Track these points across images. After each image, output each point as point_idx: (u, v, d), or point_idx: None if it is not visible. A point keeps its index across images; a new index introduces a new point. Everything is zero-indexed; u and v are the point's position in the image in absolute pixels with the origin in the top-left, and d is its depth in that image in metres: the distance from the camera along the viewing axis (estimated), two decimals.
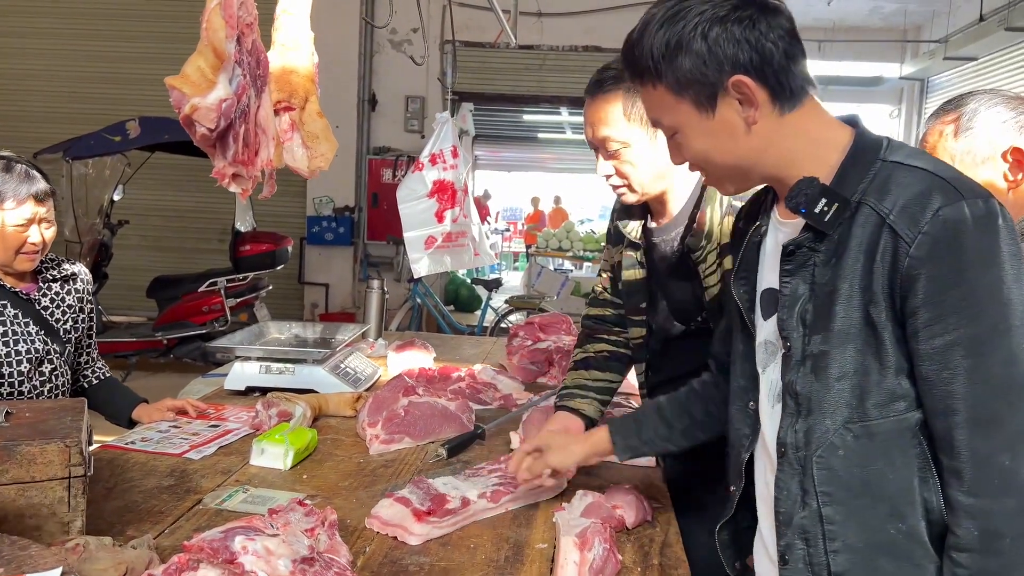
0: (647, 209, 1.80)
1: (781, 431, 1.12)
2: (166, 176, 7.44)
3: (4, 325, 1.96)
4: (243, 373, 2.45)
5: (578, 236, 10.31)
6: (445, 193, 3.19)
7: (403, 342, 3.02)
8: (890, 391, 1.02)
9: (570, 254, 10.24)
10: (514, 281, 13.35)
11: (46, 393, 2.03)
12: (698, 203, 1.69)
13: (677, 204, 1.73)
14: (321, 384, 2.39)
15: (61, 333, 2.09)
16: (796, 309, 1.09)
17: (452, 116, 3.24)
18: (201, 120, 1.17)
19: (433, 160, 3.19)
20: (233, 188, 1.29)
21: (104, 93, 7.89)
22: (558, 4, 7.53)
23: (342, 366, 2.53)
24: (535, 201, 16.75)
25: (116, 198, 5.99)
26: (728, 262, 1.62)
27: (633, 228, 1.83)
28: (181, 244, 8.03)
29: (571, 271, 11.47)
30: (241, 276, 6.13)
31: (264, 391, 2.37)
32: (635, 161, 1.64)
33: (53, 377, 2.06)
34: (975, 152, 1.47)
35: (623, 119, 1.61)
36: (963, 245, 0.96)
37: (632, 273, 1.86)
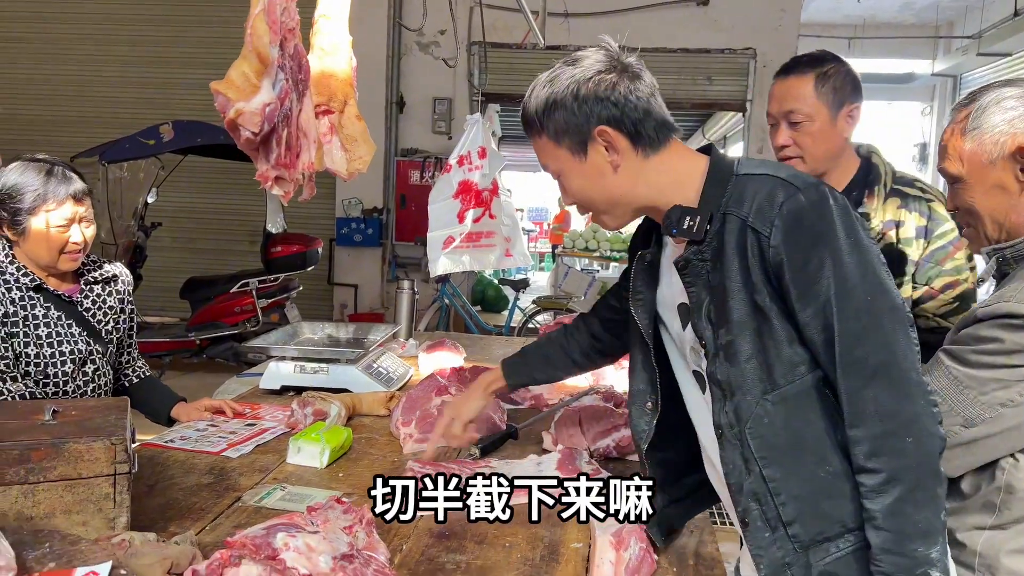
0: None
1: (715, 415, 1.28)
2: (199, 179, 7.54)
3: (48, 327, 2.01)
4: (278, 373, 2.48)
5: (605, 236, 10.28)
6: (468, 193, 3.20)
7: (434, 342, 3.04)
8: (788, 360, 1.21)
9: (597, 254, 10.21)
10: (541, 281, 13.34)
11: (89, 392, 2.08)
12: (863, 184, 1.90)
13: (837, 185, 1.87)
14: (355, 383, 2.42)
15: (103, 334, 2.13)
16: (703, 311, 1.27)
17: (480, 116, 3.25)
18: (246, 124, 1.20)
19: (460, 161, 3.20)
20: (276, 191, 1.31)
21: (138, 97, 8.01)
22: (585, 4, 7.52)
23: (375, 366, 2.55)
24: (561, 201, 16.74)
25: (150, 200, 6.09)
26: (892, 235, 1.84)
27: None
28: (213, 246, 8.13)
29: (598, 271, 11.44)
30: (272, 277, 6.20)
31: (299, 390, 2.40)
32: (815, 135, 1.84)
33: (96, 377, 2.10)
34: (981, 154, 1.38)
35: (812, 95, 1.82)
36: (805, 228, 1.16)
37: None
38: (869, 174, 1.90)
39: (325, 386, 2.41)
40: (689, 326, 1.32)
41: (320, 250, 6.57)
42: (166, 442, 2.00)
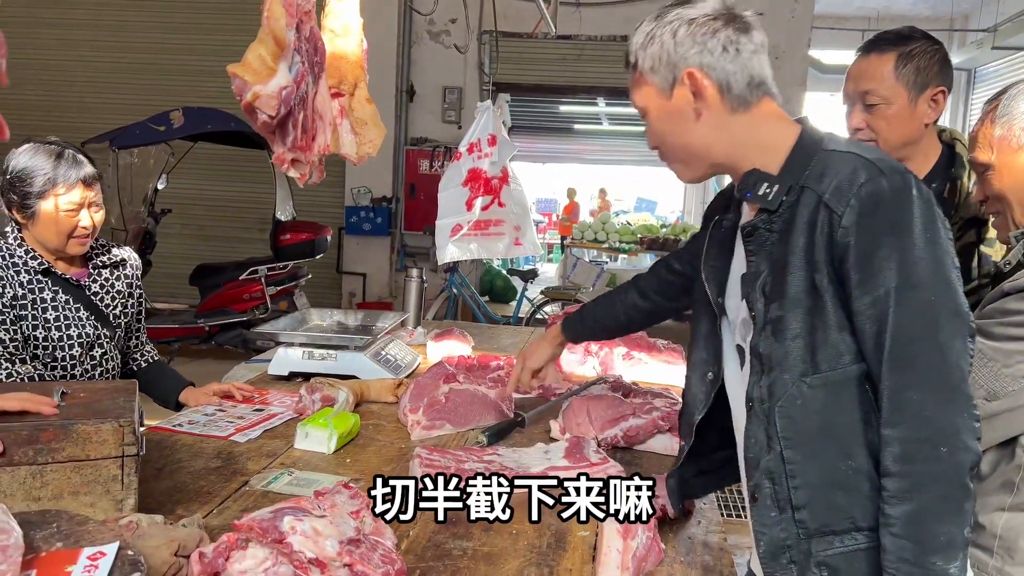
0: None
1: (749, 388, 1.27)
2: (209, 166, 7.55)
3: (56, 311, 2.01)
4: (286, 358, 2.48)
5: (614, 228, 10.26)
6: (477, 181, 3.19)
7: (442, 331, 3.03)
8: (835, 346, 1.17)
9: (606, 246, 10.20)
10: (549, 272, 13.33)
11: (97, 376, 2.09)
12: (944, 174, 1.80)
13: (918, 173, 1.75)
14: (363, 370, 2.41)
15: (111, 318, 2.14)
16: (758, 283, 1.25)
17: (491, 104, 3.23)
18: (263, 107, 1.19)
19: (470, 149, 3.19)
20: (292, 173, 1.31)
21: (148, 83, 8.01)
22: None
23: (383, 353, 2.55)
24: (571, 192, 16.67)
25: (160, 187, 6.09)
26: (971, 236, 1.75)
27: None
28: (223, 233, 8.14)
29: (606, 263, 11.42)
30: (281, 265, 6.20)
31: (307, 376, 2.40)
32: (890, 119, 1.73)
33: (104, 361, 2.11)
34: (1010, 139, 1.42)
35: (891, 77, 1.71)
36: (882, 214, 1.12)
37: None
38: (952, 164, 1.80)
39: (333, 372, 2.41)
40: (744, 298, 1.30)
41: (329, 238, 6.57)
42: (174, 426, 2.00)
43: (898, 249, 1.11)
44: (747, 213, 1.33)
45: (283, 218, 6.26)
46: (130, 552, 1.04)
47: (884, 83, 1.71)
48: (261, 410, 2.16)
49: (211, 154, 6.96)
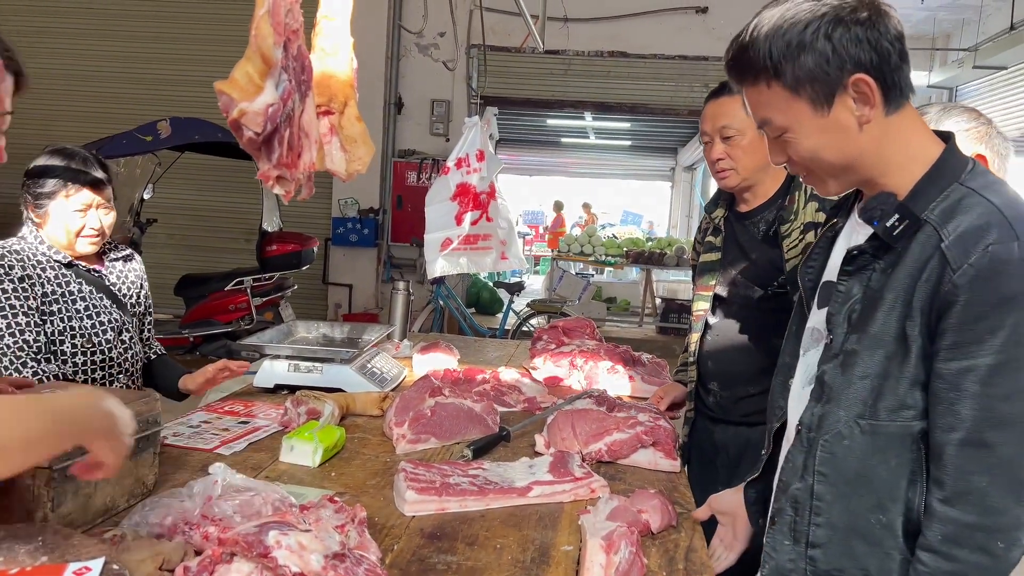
0: (732, 201, 2.21)
1: (805, 411, 1.23)
2: (195, 176, 7.53)
3: (85, 300, 2.13)
4: (272, 371, 2.48)
5: (600, 241, 10.31)
6: (466, 196, 3.22)
7: (428, 344, 3.04)
8: (901, 398, 1.11)
9: (592, 259, 10.24)
10: (536, 285, 13.36)
11: (129, 359, 2.24)
12: (786, 191, 2.09)
13: (768, 192, 2.12)
14: (348, 383, 2.42)
15: (129, 306, 2.27)
16: (846, 307, 1.17)
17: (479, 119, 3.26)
18: (249, 124, 1.20)
19: (459, 164, 3.22)
20: (277, 190, 1.33)
21: (135, 94, 8.00)
22: (584, 10, 7.55)
23: (369, 366, 2.56)
24: (558, 205, 16.74)
25: (146, 197, 6.08)
26: (811, 237, 1.95)
27: (718, 215, 2.22)
28: (208, 243, 8.12)
29: (592, 276, 11.47)
30: (267, 276, 6.20)
31: (292, 389, 2.40)
32: (746, 148, 2.02)
33: (132, 344, 2.25)
34: None
35: (742, 113, 1.96)
36: (1002, 282, 1.02)
37: (709, 256, 2.22)
38: (793, 179, 2.08)
39: (319, 385, 2.41)
40: (825, 310, 1.23)
41: (315, 249, 6.58)
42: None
43: (1008, 325, 1.01)
44: (854, 226, 1.24)
45: (269, 229, 6.27)
46: (115, 567, 1.05)
47: (736, 119, 2.00)
48: (246, 423, 2.16)
49: (198, 164, 6.95)
